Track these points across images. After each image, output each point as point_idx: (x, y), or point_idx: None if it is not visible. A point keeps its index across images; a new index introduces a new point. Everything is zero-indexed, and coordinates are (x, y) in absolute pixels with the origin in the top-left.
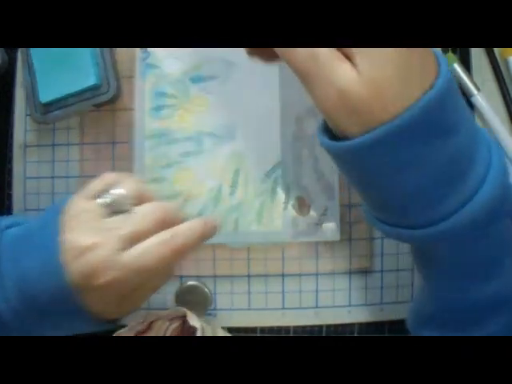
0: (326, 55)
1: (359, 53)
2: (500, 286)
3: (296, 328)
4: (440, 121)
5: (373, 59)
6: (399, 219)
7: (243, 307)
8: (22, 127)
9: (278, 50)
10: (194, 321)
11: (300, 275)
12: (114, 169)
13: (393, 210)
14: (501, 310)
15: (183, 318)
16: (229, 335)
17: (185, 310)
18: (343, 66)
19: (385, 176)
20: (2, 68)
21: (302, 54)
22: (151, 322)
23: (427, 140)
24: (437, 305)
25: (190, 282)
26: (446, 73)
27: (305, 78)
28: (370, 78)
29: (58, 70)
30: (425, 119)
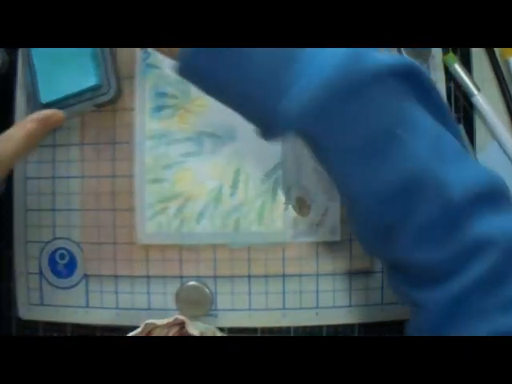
0: None
1: None
2: (407, 161)
3: (296, 328)
4: None
5: None
6: (261, 120)
7: (244, 307)
8: None
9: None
10: (192, 329)
11: (300, 275)
12: (114, 169)
13: (248, 114)
14: (417, 191)
15: (181, 324)
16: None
17: (183, 318)
18: None
19: (218, 75)
20: (3, 68)
21: None
22: (150, 331)
23: None
24: (350, 201)
25: (191, 283)
26: None
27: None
28: None
29: (59, 71)
30: None
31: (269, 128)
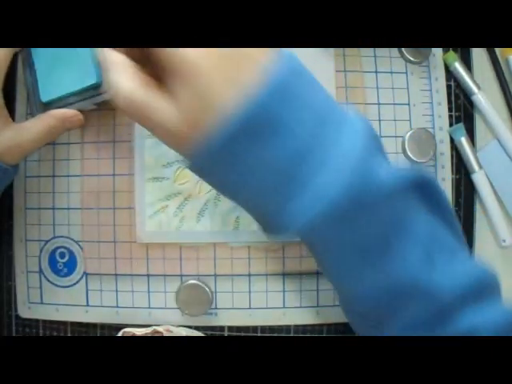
0: (151, 100)
1: (177, 85)
2: (397, 269)
3: (296, 327)
4: (259, 130)
5: (176, 95)
6: (264, 222)
7: (244, 306)
8: None
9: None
10: None
11: (300, 274)
12: (114, 167)
13: (254, 214)
14: (404, 295)
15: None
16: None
17: (162, 329)
18: (161, 107)
19: (228, 184)
20: None
21: (123, 100)
22: None
23: (250, 146)
24: (342, 295)
25: (191, 281)
26: (261, 94)
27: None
28: (182, 110)
29: (59, 70)
30: (236, 138)
31: (272, 231)
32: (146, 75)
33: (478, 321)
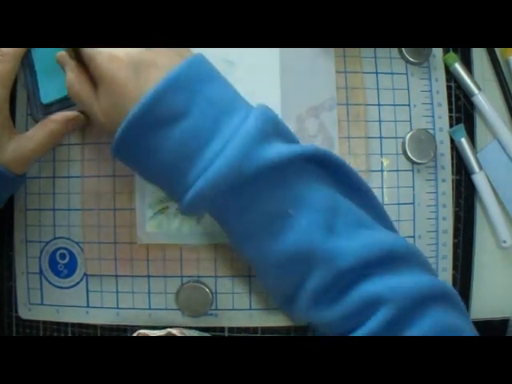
0: (85, 96)
1: (99, 91)
2: (296, 237)
3: (297, 328)
4: (156, 117)
5: (101, 98)
6: (169, 194)
7: (244, 307)
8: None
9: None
10: None
11: None
12: (114, 168)
13: (161, 187)
14: (307, 261)
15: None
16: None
17: (175, 332)
18: (91, 104)
19: (138, 161)
20: None
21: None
22: None
23: (152, 131)
24: (254, 266)
25: (191, 282)
26: (159, 85)
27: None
28: (103, 110)
29: (59, 71)
30: (138, 125)
31: (177, 201)
32: (86, 75)
33: (384, 287)
